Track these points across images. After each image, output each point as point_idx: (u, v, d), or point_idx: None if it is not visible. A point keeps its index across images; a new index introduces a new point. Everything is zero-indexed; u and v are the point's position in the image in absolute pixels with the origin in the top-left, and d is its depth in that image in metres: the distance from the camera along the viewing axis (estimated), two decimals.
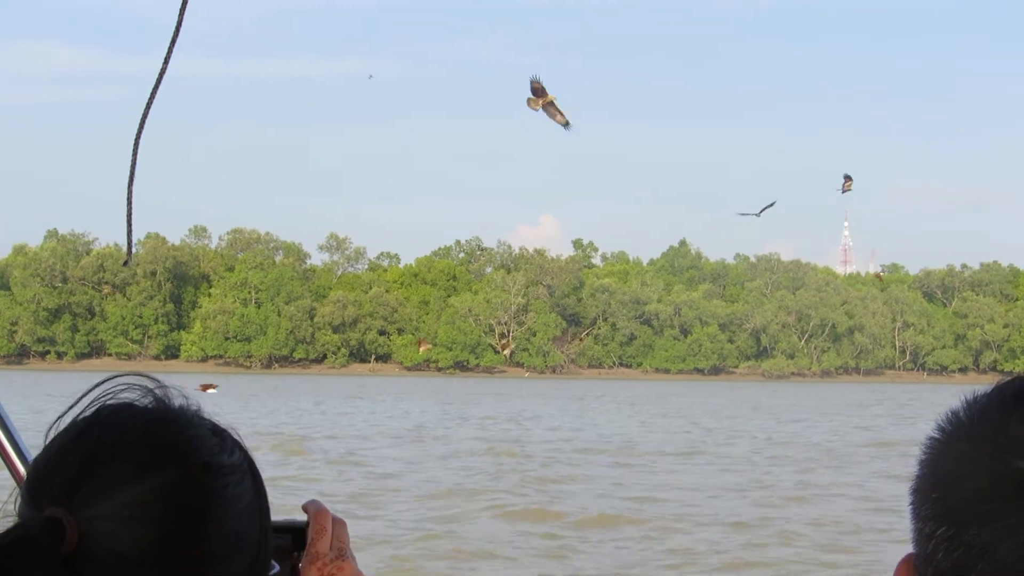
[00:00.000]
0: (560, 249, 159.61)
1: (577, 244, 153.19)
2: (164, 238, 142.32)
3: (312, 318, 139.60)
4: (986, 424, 1.10)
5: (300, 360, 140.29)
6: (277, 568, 1.39)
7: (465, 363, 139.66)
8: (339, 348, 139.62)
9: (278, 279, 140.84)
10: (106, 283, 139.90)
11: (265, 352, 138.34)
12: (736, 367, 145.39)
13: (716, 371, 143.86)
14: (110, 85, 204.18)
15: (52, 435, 1.28)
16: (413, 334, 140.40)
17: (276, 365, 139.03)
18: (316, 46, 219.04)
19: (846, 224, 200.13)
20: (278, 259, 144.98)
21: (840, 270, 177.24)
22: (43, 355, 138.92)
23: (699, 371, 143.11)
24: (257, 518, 1.31)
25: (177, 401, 1.32)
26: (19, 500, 1.26)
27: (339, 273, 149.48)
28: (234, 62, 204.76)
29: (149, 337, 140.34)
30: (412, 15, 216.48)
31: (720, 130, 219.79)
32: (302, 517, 1.50)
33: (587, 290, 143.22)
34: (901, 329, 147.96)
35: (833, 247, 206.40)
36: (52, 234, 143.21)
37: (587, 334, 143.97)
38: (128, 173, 2.15)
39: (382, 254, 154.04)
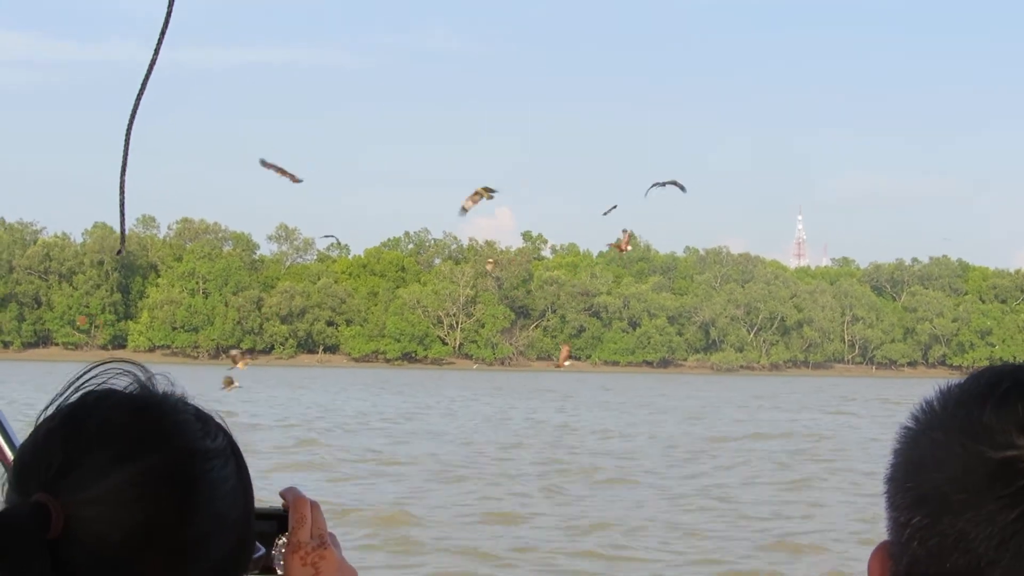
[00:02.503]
0: (514, 241, 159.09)
1: (527, 236, 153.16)
2: (111, 227, 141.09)
3: (260, 308, 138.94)
4: (960, 413, 1.10)
5: (248, 351, 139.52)
6: (262, 551, 1.43)
7: (413, 354, 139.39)
8: (287, 339, 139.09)
9: (226, 269, 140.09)
10: (52, 272, 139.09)
11: (212, 342, 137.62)
12: (685, 360, 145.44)
13: (664, 364, 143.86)
14: (57, 70, 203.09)
15: (39, 421, 1.30)
16: (362, 325, 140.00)
17: (223, 356, 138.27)
18: (263, 34, 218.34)
19: (800, 218, 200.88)
20: (226, 249, 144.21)
21: (793, 263, 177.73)
22: None
23: (648, 363, 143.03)
24: (241, 501, 1.33)
25: (161, 387, 1.33)
26: (6, 486, 1.27)
27: (288, 264, 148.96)
28: (180, 50, 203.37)
29: (96, 327, 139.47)
30: (360, 3, 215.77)
31: (672, 122, 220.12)
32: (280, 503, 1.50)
33: (536, 282, 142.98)
34: (850, 323, 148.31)
35: (787, 241, 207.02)
36: None
37: (536, 326, 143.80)
38: (120, 163, 2.15)
39: (331, 245, 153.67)
